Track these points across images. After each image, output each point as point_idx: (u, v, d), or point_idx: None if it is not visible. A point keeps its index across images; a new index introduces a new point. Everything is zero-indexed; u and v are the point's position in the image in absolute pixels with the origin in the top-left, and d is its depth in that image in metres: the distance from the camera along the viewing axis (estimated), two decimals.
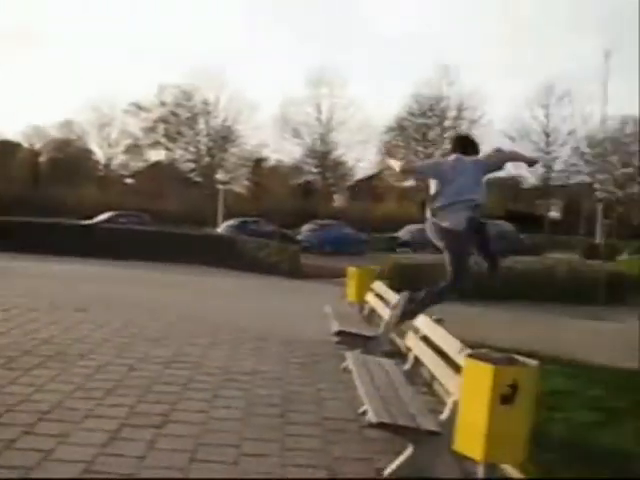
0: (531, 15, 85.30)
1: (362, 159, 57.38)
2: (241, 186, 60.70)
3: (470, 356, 3.70)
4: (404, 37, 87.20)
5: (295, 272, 19.61)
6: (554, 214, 60.26)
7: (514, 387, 3.44)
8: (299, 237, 33.32)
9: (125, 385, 6.24)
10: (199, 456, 4.57)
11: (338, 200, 64.19)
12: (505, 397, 3.43)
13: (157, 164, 58.69)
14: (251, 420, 5.46)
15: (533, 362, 3.65)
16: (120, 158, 60.82)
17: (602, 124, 19.74)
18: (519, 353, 4.24)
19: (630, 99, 74.13)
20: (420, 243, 36.66)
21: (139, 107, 56.28)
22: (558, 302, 15.12)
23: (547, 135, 55.15)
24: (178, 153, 57.93)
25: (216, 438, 4.96)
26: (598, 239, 17.07)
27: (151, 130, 56.70)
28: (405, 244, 36.27)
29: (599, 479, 4.58)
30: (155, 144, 57.59)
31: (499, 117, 66.18)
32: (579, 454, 5.01)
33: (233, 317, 11.02)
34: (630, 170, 55.32)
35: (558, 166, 55.13)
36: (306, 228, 35.15)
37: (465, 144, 6.12)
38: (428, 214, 6.02)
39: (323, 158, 55.56)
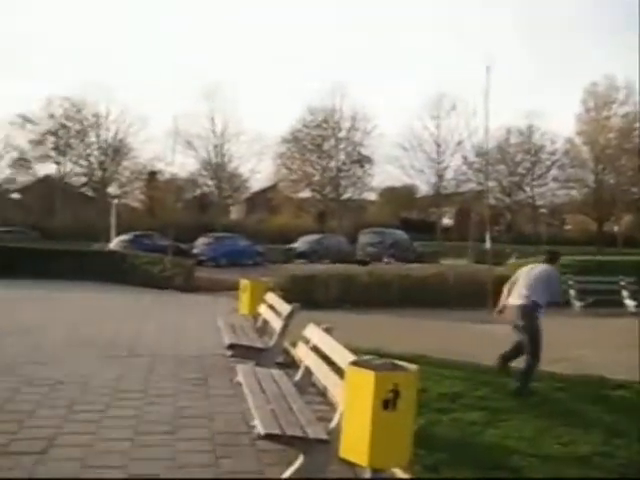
0: (418, 29, 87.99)
1: (258, 171, 57.19)
2: (135, 200, 59.36)
3: (353, 363, 3.75)
4: (299, 49, 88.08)
5: (190, 286, 19.34)
6: (446, 221, 62.15)
7: (395, 392, 3.51)
8: (194, 250, 32.88)
9: (6, 410, 5.97)
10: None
11: (234, 212, 63.79)
12: (387, 402, 3.50)
13: (46, 178, 56.61)
14: (140, 439, 5.34)
15: (413, 367, 3.73)
16: (6, 172, 58.35)
17: (486, 135, 20.57)
18: (408, 359, 4.35)
19: (512, 111, 77.43)
20: (316, 253, 37.18)
21: (26, 119, 54.15)
22: (449, 307, 15.58)
23: (438, 145, 56.77)
24: (69, 167, 56.11)
25: (103, 460, 4.83)
26: (487, 245, 17.71)
27: (39, 143, 54.63)
28: (301, 255, 36.54)
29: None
30: (44, 157, 55.53)
31: (392, 128, 67.63)
32: (465, 453, 5.17)
33: (124, 334, 10.75)
34: (516, 178, 57.77)
35: (449, 175, 56.87)
36: (201, 241, 34.71)
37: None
38: None
39: (218, 170, 55.03)
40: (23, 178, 57.38)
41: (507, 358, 8.01)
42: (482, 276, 16.45)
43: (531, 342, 7.47)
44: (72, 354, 8.80)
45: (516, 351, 7.87)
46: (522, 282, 8.05)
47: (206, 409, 6.29)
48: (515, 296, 7.95)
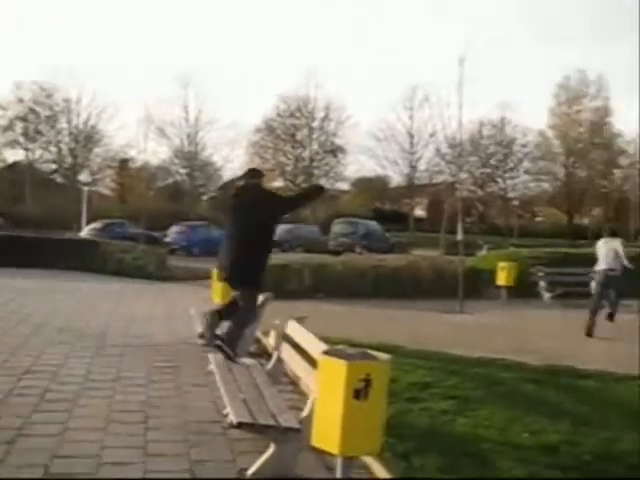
0: (391, 20, 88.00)
1: (231, 159, 56.96)
2: (106, 188, 58.88)
3: (325, 353, 3.77)
4: (273, 38, 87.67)
5: (163, 275, 19.25)
6: (419, 212, 62.50)
7: (367, 382, 3.54)
8: (167, 239, 32.69)
9: None
10: (54, 469, 4.40)
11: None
12: (358, 391, 3.53)
13: (15, 165, 55.89)
14: (112, 428, 5.32)
15: (385, 357, 3.77)
16: None
17: (459, 127, 20.77)
18: (379, 348, 4.38)
19: (485, 103, 77.92)
20: (288, 243, 37.07)
21: None
22: (422, 297, 15.72)
23: (411, 136, 56.99)
24: (38, 153, 55.42)
25: (74, 449, 4.80)
26: (459, 236, 17.88)
27: (8, 128, 53.91)
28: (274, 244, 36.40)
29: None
30: (12, 143, 54.81)
31: (366, 119, 67.73)
32: (435, 441, 5.23)
33: (95, 323, 10.68)
34: (489, 170, 58.20)
35: (422, 166, 57.16)
36: (174, 230, 34.48)
37: None
38: None
39: (191, 159, 54.74)
40: None
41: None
42: (454, 267, 16.58)
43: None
44: (34, 342, 8.71)
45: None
46: (612, 253, 10.73)
47: (178, 398, 6.29)
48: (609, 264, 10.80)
